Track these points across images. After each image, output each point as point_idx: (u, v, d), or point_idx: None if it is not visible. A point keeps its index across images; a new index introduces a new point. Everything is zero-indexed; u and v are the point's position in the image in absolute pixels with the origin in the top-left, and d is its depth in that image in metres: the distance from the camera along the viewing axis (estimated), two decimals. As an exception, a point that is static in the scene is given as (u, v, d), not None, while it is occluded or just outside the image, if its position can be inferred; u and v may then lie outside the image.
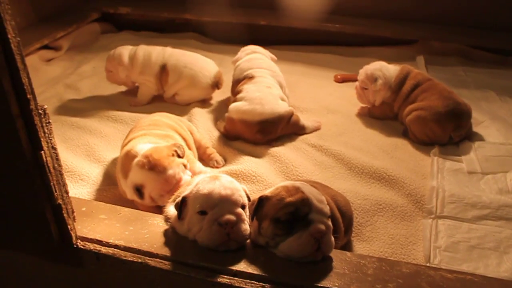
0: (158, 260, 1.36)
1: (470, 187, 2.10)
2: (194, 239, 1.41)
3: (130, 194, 1.80)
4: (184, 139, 2.12)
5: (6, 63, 1.14)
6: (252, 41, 3.28)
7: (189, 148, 2.10)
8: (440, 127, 2.35)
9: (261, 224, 1.39)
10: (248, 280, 1.30)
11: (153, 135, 1.99)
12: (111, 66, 2.78)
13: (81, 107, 2.77)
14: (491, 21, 3.49)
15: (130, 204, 1.81)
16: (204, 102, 2.81)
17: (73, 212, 1.44)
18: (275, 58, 2.80)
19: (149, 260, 1.36)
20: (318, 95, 2.91)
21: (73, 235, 1.40)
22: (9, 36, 1.12)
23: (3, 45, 1.12)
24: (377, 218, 1.92)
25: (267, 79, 2.51)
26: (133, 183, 1.78)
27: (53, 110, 2.74)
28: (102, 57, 2.88)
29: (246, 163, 2.18)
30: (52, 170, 1.29)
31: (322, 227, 1.31)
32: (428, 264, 1.70)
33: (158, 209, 1.70)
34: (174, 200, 1.54)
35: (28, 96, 1.18)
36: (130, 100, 2.84)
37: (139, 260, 1.37)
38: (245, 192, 1.47)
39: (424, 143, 2.40)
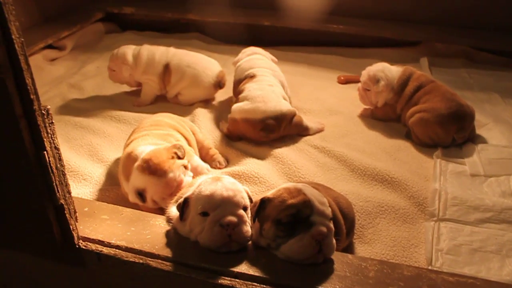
0: (160, 261, 1.37)
1: (473, 190, 2.09)
2: (195, 240, 1.41)
3: (132, 198, 1.80)
4: (186, 139, 2.13)
5: (10, 64, 1.14)
6: (256, 41, 3.29)
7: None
8: (443, 129, 2.35)
9: (262, 225, 1.39)
10: (249, 282, 1.30)
11: (154, 135, 2.00)
12: (114, 65, 2.79)
13: (85, 107, 2.77)
14: (495, 22, 3.47)
15: (132, 205, 1.81)
16: (207, 103, 2.81)
17: (75, 212, 1.45)
18: (276, 59, 2.80)
19: (150, 261, 1.37)
20: (321, 96, 2.91)
21: (75, 235, 1.40)
22: (13, 36, 1.12)
23: (7, 45, 1.13)
24: (379, 220, 1.92)
25: (268, 78, 2.51)
26: (134, 188, 1.79)
27: (57, 109, 2.75)
28: (106, 57, 2.89)
29: (248, 164, 2.19)
30: (54, 170, 1.29)
31: (324, 229, 1.31)
32: (429, 267, 1.70)
33: (161, 210, 1.71)
34: (176, 201, 1.54)
35: (32, 97, 1.18)
36: (134, 100, 2.85)
37: (141, 261, 1.37)
38: (247, 193, 1.47)
39: (427, 145, 2.40)
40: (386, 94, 2.54)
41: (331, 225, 1.36)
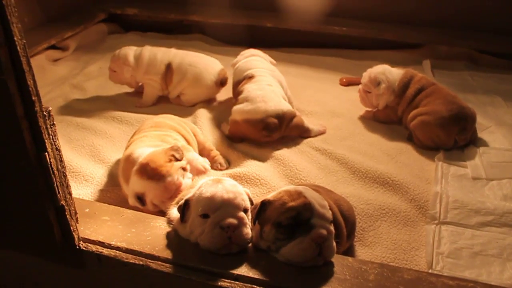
0: (160, 262, 1.37)
1: (474, 193, 2.09)
2: (196, 242, 1.41)
3: (132, 202, 1.80)
4: (186, 140, 2.13)
5: (12, 65, 1.15)
6: (258, 43, 3.30)
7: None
8: (444, 131, 2.34)
9: (263, 228, 1.39)
10: (249, 284, 1.30)
11: (153, 136, 2.00)
12: (115, 66, 2.80)
13: (87, 108, 2.78)
14: (498, 25, 3.46)
15: (133, 206, 1.82)
16: (208, 103, 2.81)
17: (76, 213, 1.45)
18: (274, 62, 2.81)
19: (150, 262, 1.37)
20: (323, 99, 2.91)
21: (75, 236, 1.40)
22: (15, 38, 1.13)
23: (9, 47, 1.13)
24: (380, 223, 1.92)
25: (267, 78, 2.51)
26: (133, 192, 1.79)
27: (59, 110, 2.76)
28: (109, 58, 2.89)
29: (249, 166, 2.19)
30: (55, 171, 1.30)
31: (324, 232, 1.31)
32: (430, 270, 1.69)
33: (161, 212, 1.71)
34: (177, 203, 1.55)
35: (33, 98, 1.19)
36: (136, 101, 2.86)
37: (141, 263, 1.37)
38: (248, 195, 1.47)
39: (429, 148, 2.39)
40: (387, 96, 2.54)
41: (332, 228, 1.36)
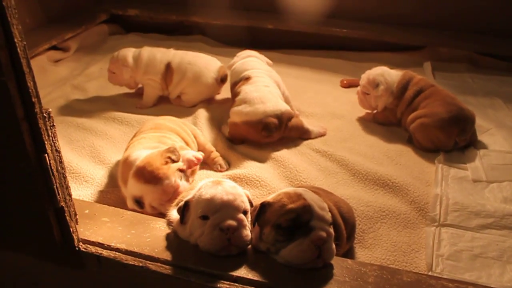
0: (159, 264, 1.37)
1: (475, 195, 2.09)
2: (195, 243, 1.41)
3: (130, 205, 1.80)
4: (186, 143, 2.12)
5: (12, 67, 1.15)
6: (259, 44, 3.31)
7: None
8: (444, 133, 2.34)
9: (262, 230, 1.39)
10: (248, 286, 1.30)
11: (151, 138, 2.00)
12: (114, 67, 2.80)
13: (88, 108, 2.78)
14: (499, 27, 3.46)
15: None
16: (209, 103, 2.81)
17: (75, 214, 1.45)
18: (271, 62, 2.81)
19: (150, 264, 1.37)
20: (324, 100, 2.91)
21: (75, 237, 1.41)
22: (15, 40, 1.13)
23: (9, 49, 1.13)
24: (380, 225, 1.92)
25: (264, 79, 2.52)
26: (131, 195, 1.79)
27: (60, 110, 2.76)
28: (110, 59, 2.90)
29: (250, 167, 2.19)
30: (55, 172, 1.30)
31: (323, 234, 1.31)
32: (430, 273, 1.69)
33: (161, 213, 1.71)
34: (177, 204, 1.55)
35: (33, 100, 1.19)
36: (137, 102, 2.86)
37: (140, 264, 1.37)
38: (248, 197, 1.48)
39: (429, 150, 2.39)
40: (386, 98, 2.54)
41: (331, 230, 1.36)
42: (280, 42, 3.73)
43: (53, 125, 1.28)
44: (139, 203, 1.78)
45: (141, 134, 2.04)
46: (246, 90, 2.42)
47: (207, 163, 2.25)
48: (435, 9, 3.56)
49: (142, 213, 1.72)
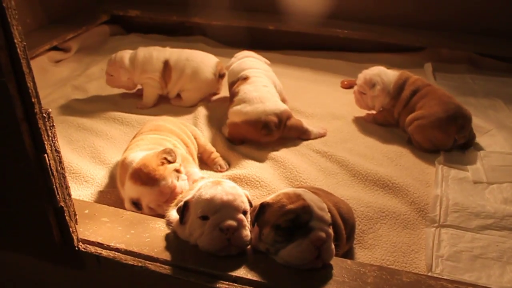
0: (158, 264, 1.37)
1: (475, 196, 2.09)
2: (195, 243, 1.41)
3: (128, 206, 1.79)
4: (185, 144, 2.12)
5: (12, 68, 1.15)
6: (260, 45, 3.31)
7: (190, 154, 2.10)
8: (443, 132, 2.34)
9: (262, 230, 1.39)
10: (247, 287, 1.30)
11: (149, 140, 2.00)
12: (112, 70, 2.81)
13: (88, 109, 2.79)
14: (500, 28, 3.46)
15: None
16: (209, 104, 2.81)
17: (75, 214, 1.45)
18: (268, 62, 2.82)
19: (149, 264, 1.37)
20: (324, 101, 2.91)
21: (74, 237, 1.41)
22: (15, 40, 1.13)
23: (9, 49, 1.14)
24: (380, 226, 1.92)
25: (262, 79, 2.52)
26: (129, 197, 1.79)
27: (60, 111, 2.76)
28: (111, 59, 2.91)
29: (250, 167, 2.19)
30: (55, 173, 1.30)
31: (323, 234, 1.31)
32: (430, 273, 1.69)
33: (159, 214, 1.71)
34: (176, 204, 1.55)
35: (33, 100, 1.19)
36: (137, 103, 2.86)
37: (140, 264, 1.37)
38: (247, 197, 1.48)
39: (429, 151, 2.39)
40: (382, 98, 2.54)
41: (330, 230, 1.36)
42: (280, 43, 3.74)
43: (53, 125, 1.28)
44: (136, 205, 1.77)
45: (140, 136, 2.04)
46: (245, 90, 2.43)
47: (207, 164, 2.26)
48: (436, 10, 3.56)
49: (142, 213, 1.72)
